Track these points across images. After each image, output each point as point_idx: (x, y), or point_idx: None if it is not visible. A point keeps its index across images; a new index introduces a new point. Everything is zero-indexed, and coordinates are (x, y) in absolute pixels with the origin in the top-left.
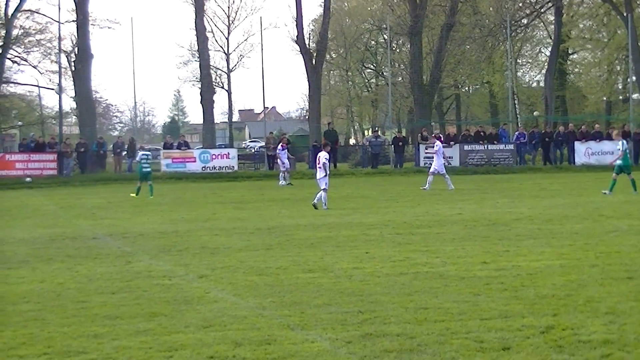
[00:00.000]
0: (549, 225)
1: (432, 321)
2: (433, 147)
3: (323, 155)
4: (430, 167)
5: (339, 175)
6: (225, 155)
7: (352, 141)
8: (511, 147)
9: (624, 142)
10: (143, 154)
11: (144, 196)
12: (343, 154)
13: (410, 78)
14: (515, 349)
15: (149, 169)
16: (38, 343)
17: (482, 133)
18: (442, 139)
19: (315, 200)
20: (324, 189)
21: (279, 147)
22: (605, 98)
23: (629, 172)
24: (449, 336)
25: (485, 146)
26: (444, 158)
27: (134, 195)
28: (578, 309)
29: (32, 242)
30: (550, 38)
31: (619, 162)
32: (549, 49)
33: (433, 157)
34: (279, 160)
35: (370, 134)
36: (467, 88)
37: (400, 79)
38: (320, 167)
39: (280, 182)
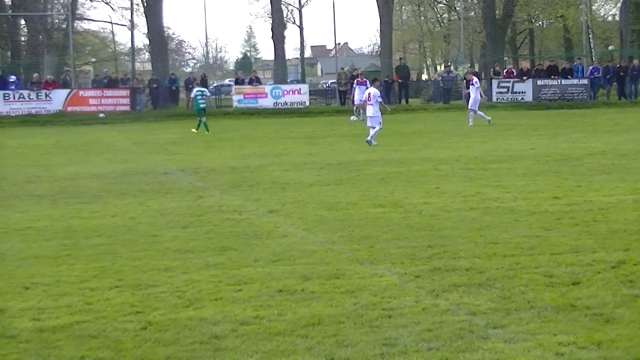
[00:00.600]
0: (623, 160)
1: (501, 256)
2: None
3: (375, 92)
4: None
5: (411, 110)
6: (297, 91)
7: (424, 76)
8: (585, 81)
9: None
10: (198, 90)
11: (204, 132)
12: (415, 89)
13: (482, 12)
14: (586, 284)
15: (204, 105)
16: (109, 276)
17: (555, 68)
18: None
19: (370, 138)
20: (380, 125)
21: (356, 82)
22: None
23: None
24: (518, 271)
25: (559, 81)
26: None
27: (194, 130)
28: None
29: (104, 177)
30: None
31: None
32: None
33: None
34: (355, 95)
35: (442, 69)
36: (540, 22)
37: (472, 13)
38: (371, 104)
39: (352, 118)
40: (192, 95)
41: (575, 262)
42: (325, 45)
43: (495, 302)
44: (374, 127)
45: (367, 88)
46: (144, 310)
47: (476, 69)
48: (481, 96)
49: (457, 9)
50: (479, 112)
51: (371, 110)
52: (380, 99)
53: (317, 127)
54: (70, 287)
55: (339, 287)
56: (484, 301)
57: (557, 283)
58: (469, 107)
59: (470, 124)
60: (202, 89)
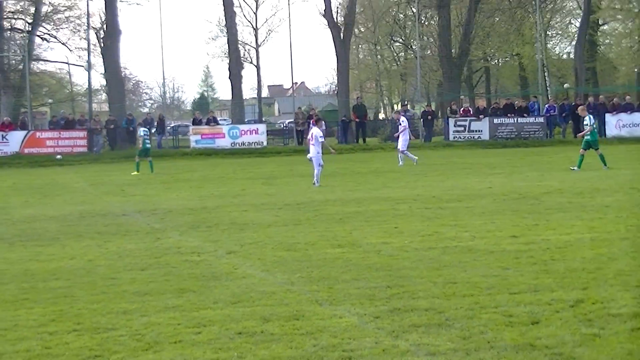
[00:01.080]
0: (580, 198)
1: (460, 295)
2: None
3: (317, 132)
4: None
5: (368, 150)
6: (254, 131)
7: (381, 115)
8: (541, 119)
9: (591, 117)
10: (145, 130)
11: (146, 172)
12: (372, 129)
13: (439, 51)
14: (545, 323)
15: (149, 145)
16: (67, 320)
17: (512, 106)
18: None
19: (315, 180)
20: (320, 166)
21: (312, 122)
22: (636, 69)
23: (596, 148)
24: (477, 310)
25: (515, 119)
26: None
27: (135, 173)
28: (608, 282)
29: (62, 219)
30: (580, 9)
31: (587, 137)
32: (579, 19)
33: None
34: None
35: (399, 107)
36: (496, 60)
37: (429, 52)
38: (314, 144)
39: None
40: (140, 134)
41: (534, 302)
42: (282, 85)
43: (454, 343)
44: (316, 170)
45: (408, 131)
46: (102, 354)
47: (433, 107)
48: (410, 138)
49: (414, 47)
50: (407, 152)
51: (313, 151)
52: (322, 139)
53: (275, 167)
54: (29, 331)
55: (299, 328)
56: (444, 341)
57: (517, 322)
58: (399, 149)
59: (400, 164)
60: (146, 129)
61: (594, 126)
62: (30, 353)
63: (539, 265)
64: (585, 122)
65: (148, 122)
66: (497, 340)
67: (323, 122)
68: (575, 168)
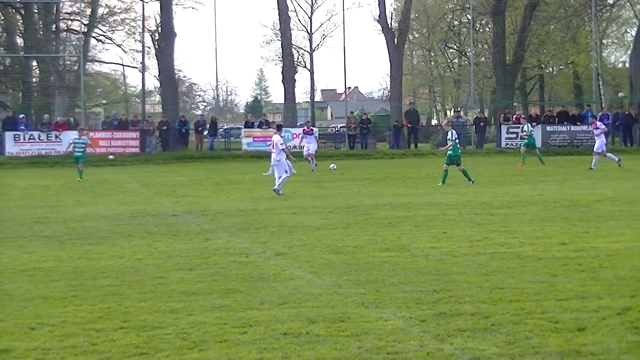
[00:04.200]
0: (631, 207)
1: (507, 301)
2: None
3: (278, 139)
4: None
5: (420, 155)
6: None
7: (433, 121)
8: None
9: (454, 132)
10: (75, 138)
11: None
12: (425, 134)
13: (493, 58)
14: (591, 330)
15: (78, 154)
16: (115, 317)
17: (565, 114)
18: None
19: (277, 187)
20: (286, 173)
21: (302, 131)
22: None
23: (458, 164)
24: (523, 316)
25: (569, 127)
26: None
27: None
28: None
29: (113, 219)
30: (637, 17)
31: (449, 152)
32: (635, 28)
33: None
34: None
35: (452, 114)
36: (551, 69)
37: (483, 59)
38: (274, 151)
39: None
40: (70, 141)
41: (580, 308)
42: (335, 89)
43: (499, 347)
44: (281, 176)
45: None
46: (149, 352)
47: (486, 114)
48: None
49: (468, 54)
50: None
51: (278, 158)
52: (282, 146)
53: (326, 170)
54: (76, 328)
55: (344, 330)
56: (489, 346)
57: (562, 329)
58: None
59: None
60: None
61: (456, 141)
62: (77, 349)
63: (587, 272)
64: (448, 137)
65: (200, 123)
66: (542, 346)
67: (282, 128)
68: (440, 184)
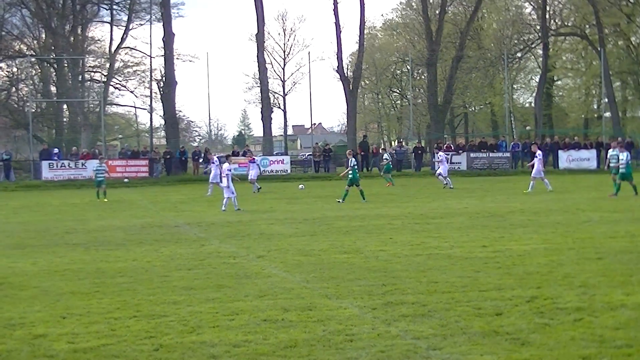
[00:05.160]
0: (537, 216)
1: (440, 292)
2: (439, 158)
3: (226, 167)
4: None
5: (371, 177)
6: (280, 161)
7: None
8: (508, 154)
9: (353, 159)
10: (97, 164)
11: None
12: (374, 161)
13: (427, 100)
14: (506, 315)
15: (100, 178)
16: (129, 308)
17: (485, 143)
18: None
19: (228, 207)
20: (232, 194)
21: (249, 160)
22: (583, 115)
23: (357, 185)
24: (453, 304)
25: (487, 154)
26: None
27: (98, 200)
28: (557, 283)
29: (127, 229)
30: (539, 68)
31: (350, 175)
32: (538, 76)
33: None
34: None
35: (395, 144)
36: (473, 107)
37: (420, 100)
38: (225, 177)
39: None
40: (93, 168)
41: (498, 297)
42: (304, 125)
43: (434, 329)
44: (229, 197)
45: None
46: (156, 335)
47: (422, 144)
48: (446, 174)
49: (408, 96)
50: (448, 179)
51: (225, 182)
52: (229, 172)
53: (297, 190)
54: (98, 317)
55: (312, 317)
56: (426, 328)
57: (484, 314)
58: (442, 174)
59: (449, 186)
60: (99, 163)
61: (355, 166)
62: (99, 334)
63: (503, 269)
64: (350, 162)
65: (196, 153)
66: (468, 327)
67: (231, 158)
68: (340, 200)
